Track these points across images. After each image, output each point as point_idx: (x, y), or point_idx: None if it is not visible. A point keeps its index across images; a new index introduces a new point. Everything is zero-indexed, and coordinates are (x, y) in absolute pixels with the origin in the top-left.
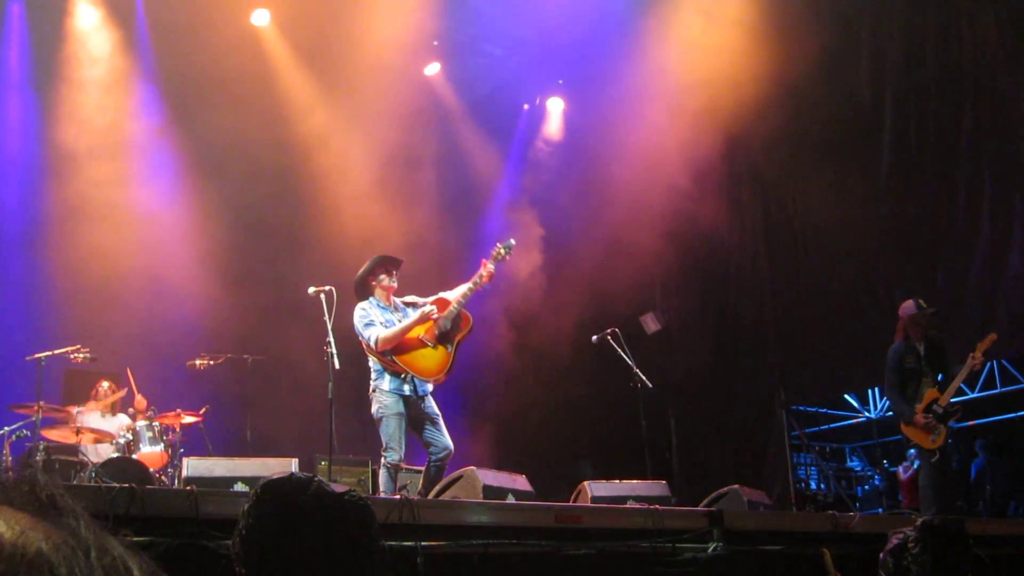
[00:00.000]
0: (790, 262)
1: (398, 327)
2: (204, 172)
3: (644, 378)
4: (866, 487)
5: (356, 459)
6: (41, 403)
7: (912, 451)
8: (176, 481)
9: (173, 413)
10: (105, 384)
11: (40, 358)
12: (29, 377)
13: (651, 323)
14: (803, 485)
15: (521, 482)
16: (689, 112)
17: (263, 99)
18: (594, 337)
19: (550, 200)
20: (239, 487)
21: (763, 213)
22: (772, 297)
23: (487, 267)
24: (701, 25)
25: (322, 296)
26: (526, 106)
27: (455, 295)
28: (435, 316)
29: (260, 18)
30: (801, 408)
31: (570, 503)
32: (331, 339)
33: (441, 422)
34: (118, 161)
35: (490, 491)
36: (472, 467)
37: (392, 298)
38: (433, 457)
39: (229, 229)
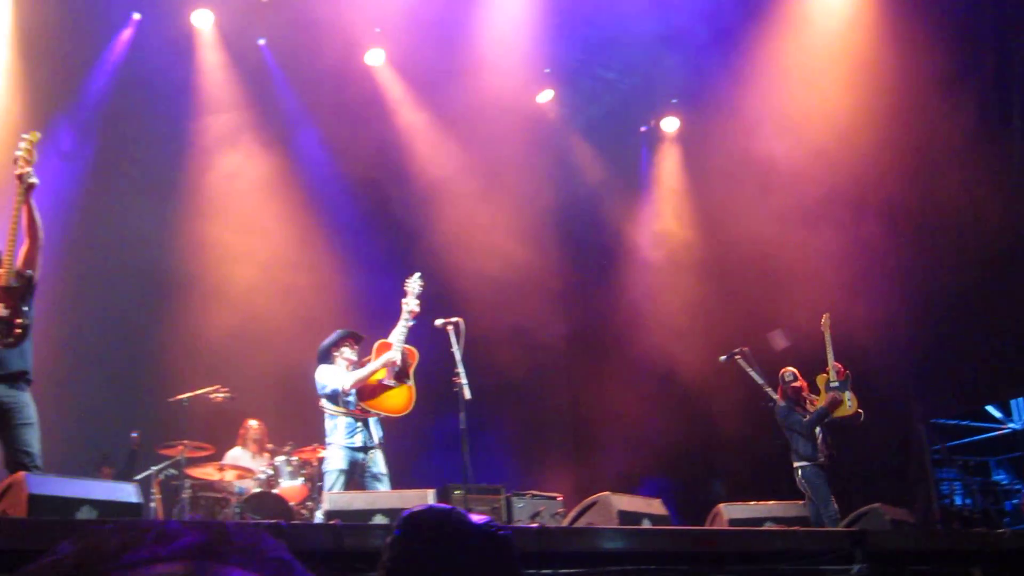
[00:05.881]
0: (919, 267)
1: (363, 370)
2: (327, 212)
3: (776, 397)
4: (1015, 501)
5: (489, 487)
6: (184, 442)
7: None
8: (317, 515)
9: (311, 448)
10: (253, 423)
11: (182, 399)
12: (174, 418)
13: (779, 340)
14: (948, 501)
15: (656, 506)
16: (804, 141)
17: (381, 137)
18: (722, 357)
19: (680, 217)
20: (379, 519)
21: (889, 218)
22: (904, 304)
23: (410, 305)
24: (816, 56)
25: (449, 328)
26: (643, 128)
27: (395, 337)
28: (396, 362)
29: (374, 58)
30: (939, 421)
31: (706, 527)
32: (460, 370)
33: (386, 482)
34: (248, 206)
35: (625, 516)
36: (607, 492)
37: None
38: None
39: (357, 270)
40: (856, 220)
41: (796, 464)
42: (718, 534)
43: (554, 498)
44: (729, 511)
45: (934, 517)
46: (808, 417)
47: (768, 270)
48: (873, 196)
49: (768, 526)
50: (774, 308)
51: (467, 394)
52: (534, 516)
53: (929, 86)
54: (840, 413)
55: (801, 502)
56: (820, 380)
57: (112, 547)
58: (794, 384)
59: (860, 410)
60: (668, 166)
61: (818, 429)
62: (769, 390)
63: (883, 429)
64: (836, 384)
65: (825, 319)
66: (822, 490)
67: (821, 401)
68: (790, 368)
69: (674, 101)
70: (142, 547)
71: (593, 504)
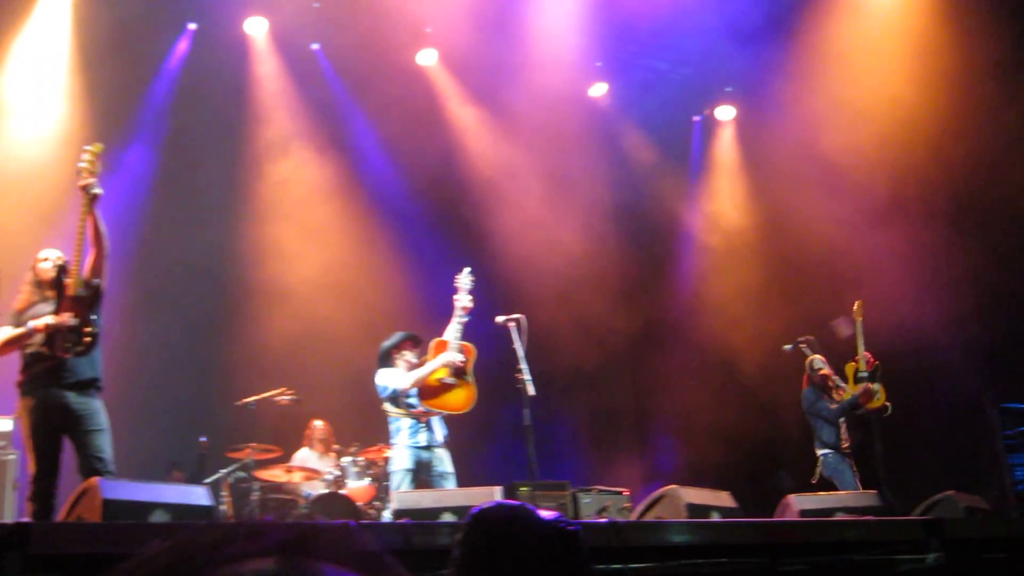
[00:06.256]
0: (985, 255)
1: (421, 370)
2: (387, 214)
3: (843, 385)
4: None
5: (555, 483)
6: (252, 445)
7: None
8: (385, 514)
9: (377, 448)
10: (318, 423)
11: (249, 402)
12: (241, 422)
13: (843, 327)
14: (1022, 487)
15: (725, 498)
16: (863, 130)
17: (439, 136)
18: (786, 346)
19: (737, 203)
20: (447, 517)
21: (955, 206)
22: (973, 292)
23: (463, 301)
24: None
25: (511, 324)
26: (697, 118)
27: (451, 335)
28: (460, 362)
29: (427, 58)
30: (1012, 406)
31: (775, 518)
32: (524, 366)
33: (452, 481)
34: (308, 210)
35: (694, 509)
36: (674, 485)
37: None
38: None
39: (419, 271)
40: (921, 210)
41: (819, 452)
42: (789, 525)
43: (620, 493)
44: (800, 502)
45: (1009, 503)
46: (837, 405)
47: (830, 260)
48: (938, 186)
49: (839, 516)
50: (837, 297)
51: (531, 390)
52: (601, 511)
53: (989, 72)
54: (869, 405)
55: (873, 492)
56: (849, 369)
57: (204, 544)
58: (821, 372)
59: (887, 403)
60: (723, 149)
61: (842, 418)
62: (836, 378)
63: (954, 415)
64: (865, 375)
65: (857, 306)
66: (846, 476)
67: (849, 391)
68: (818, 355)
69: (728, 90)
70: (234, 544)
71: (661, 498)
